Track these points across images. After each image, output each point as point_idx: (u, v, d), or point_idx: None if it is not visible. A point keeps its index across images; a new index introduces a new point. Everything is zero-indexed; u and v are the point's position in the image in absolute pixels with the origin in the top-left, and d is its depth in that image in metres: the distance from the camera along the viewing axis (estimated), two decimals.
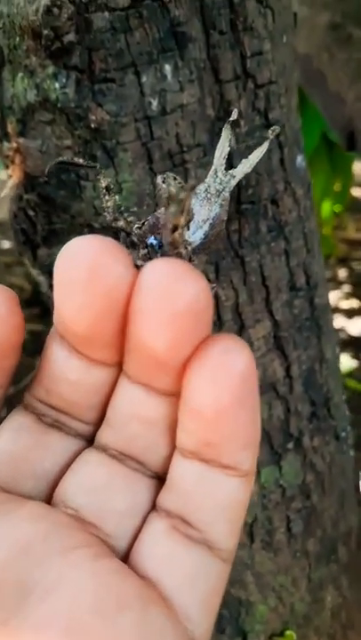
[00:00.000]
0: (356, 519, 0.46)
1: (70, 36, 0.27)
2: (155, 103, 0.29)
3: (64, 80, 0.28)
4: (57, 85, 0.28)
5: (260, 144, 0.30)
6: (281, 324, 0.36)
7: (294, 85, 0.35)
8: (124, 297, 0.15)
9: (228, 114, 0.31)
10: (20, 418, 0.18)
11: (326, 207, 1.22)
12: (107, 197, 0.18)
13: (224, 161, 0.19)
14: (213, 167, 0.18)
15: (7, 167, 0.32)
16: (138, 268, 0.16)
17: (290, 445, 0.39)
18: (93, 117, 0.29)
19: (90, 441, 0.19)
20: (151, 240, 0.17)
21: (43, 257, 0.34)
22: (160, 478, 0.18)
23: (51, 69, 0.28)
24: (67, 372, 0.17)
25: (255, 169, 0.32)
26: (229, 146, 0.19)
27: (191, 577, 0.17)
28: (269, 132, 0.21)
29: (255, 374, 0.16)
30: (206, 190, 0.18)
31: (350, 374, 1.25)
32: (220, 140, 0.19)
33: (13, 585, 0.15)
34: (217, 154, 0.20)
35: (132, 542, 0.18)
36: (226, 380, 0.15)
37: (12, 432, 0.18)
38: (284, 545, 0.41)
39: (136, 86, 0.29)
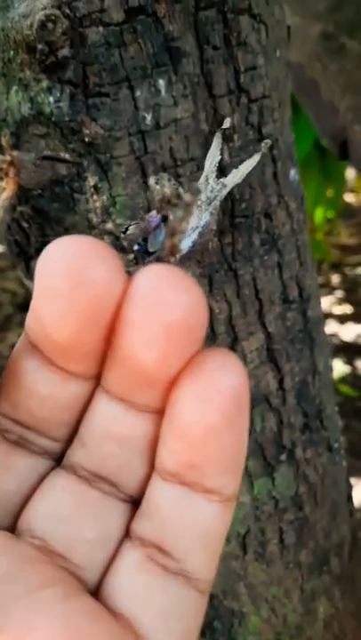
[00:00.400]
0: (348, 530, 0.46)
1: (65, 51, 0.27)
2: (149, 117, 0.29)
3: (58, 94, 0.28)
4: (51, 99, 0.28)
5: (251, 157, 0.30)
6: (274, 337, 0.36)
7: (287, 99, 0.35)
8: (113, 305, 0.14)
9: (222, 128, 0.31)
10: None
11: (319, 213, 1.22)
12: (95, 197, 0.18)
13: (215, 169, 0.19)
14: (204, 175, 0.18)
15: (1, 179, 0.32)
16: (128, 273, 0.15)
17: (283, 457, 0.39)
18: (87, 131, 0.29)
19: (57, 460, 0.17)
20: (141, 244, 0.17)
21: (36, 268, 0.34)
22: (134, 502, 0.17)
23: (45, 83, 0.28)
24: (37, 386, 0.16)
25: (249, 182, 0.32)
26: (220, 154, 0.19)
27: (167, 614, 0.16)
28: (262, 144, 0.21)
29: (247, 393, 0.15)
30: (198, 196, 0.18)
31: (343, 380, 1.26)
32: (211, 148, 0.19)
33: None
34: (208, 162, 0.19)
35: (103, 573, 0.17)
36: (217, 397, 0.14)
37: None
38: (277, 556, 0.42)
39: (130, 101, 0.29)
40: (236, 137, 0.31)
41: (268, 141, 0.19)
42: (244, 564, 0.41)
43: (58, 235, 0.32)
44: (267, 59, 0.32)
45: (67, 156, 0.19)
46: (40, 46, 0.27)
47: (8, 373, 0.16)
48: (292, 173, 0.35)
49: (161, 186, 0.17)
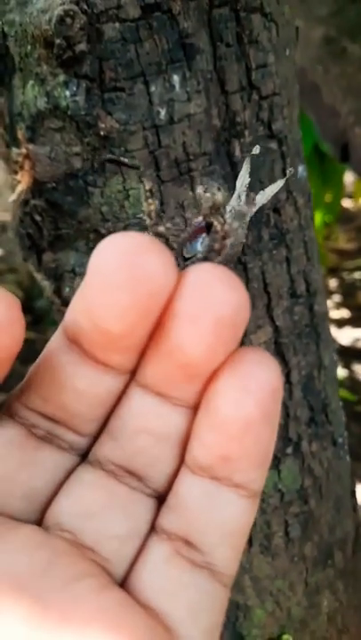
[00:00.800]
0: (351, 525, 0.46)
1: (82, 46, 0.28)
2: (163, 112, 0.30)
3: (74, 88, 0.29)
4: (67, 93, 0.29)
5: (263, 153, 0.30)
6: (281, 331, 0.37)
7: (296, 98, 0.36)
8: (165, 298, 0.14)
9: (234, 124, 0.31)
10: (9, 431, 0.17)
11: (317, 218, 1.23)
12: (149, 201, 0.18)
13: (245, 188, 0.20)
14: (237, 193, 0.19)
15: (16, 173, 0.32)
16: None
17: (289, 450, 0.40)
18: (102, 125, 0.29)
19: (83, 456, 0.18)
20: (196, 246, 0.18)
21: (48, 262, 0.35)
22: (159, 497, 0.18)
23: (61, 78, 0.29)
24: (74, 380, 0.16)
25: (259, 178, 0.33)
26: (247, 174, 0.20)
27: (196, 607, 0.16)
28: (287, 171, 0.21)
29: (282, 389, 0.16)
30: (231, 212, 0.19)
31: (341, 384, 1.26)
32: (242, 171, 0.20)
33: (13, 626, 0.14)
34: (239, 182, 0.20)
35: (130, 567, 0.17)
36: (256, 391, 0.15)
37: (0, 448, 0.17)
38: (282, 549, 0.42)
39: (145, 96, 0.29)
40: (246, 133, 0.32)
41: (292, 169, 0.19)
42: (249, 556, 0.42)
43: (71, 228, 0.33)
44: (277, 57, 0.33)
45: (126, 160, 0.20)
46: (58, 41, 0.28)
47: (40, 367, 0.17)
48: (300, 170, 0.36)
49: (211, 194, 0.17)
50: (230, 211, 0.18)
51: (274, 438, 0.16)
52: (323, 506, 0.43)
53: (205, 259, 0.17)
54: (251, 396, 0.15)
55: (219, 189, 0.17)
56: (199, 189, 0.17)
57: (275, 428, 0.16)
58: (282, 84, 0.33)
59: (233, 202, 0.18)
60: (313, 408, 0.41)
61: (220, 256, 0.17)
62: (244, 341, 0.36)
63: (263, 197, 0.19)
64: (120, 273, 0.14)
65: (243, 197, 0.18)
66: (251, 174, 0.30)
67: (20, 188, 0.31)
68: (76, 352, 0.16)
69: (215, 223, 0.17)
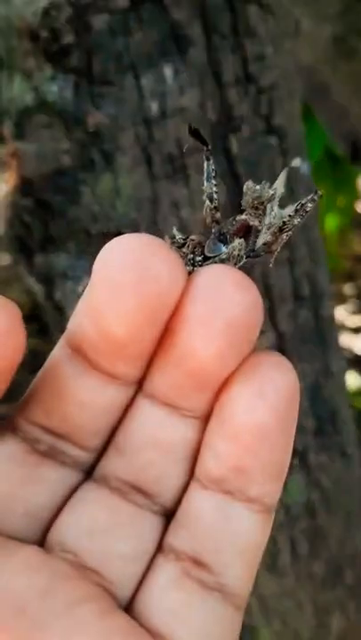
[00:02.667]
0: None
1: (69, 38, 0.26)
2: (155, 106, 0.28)
3: (62, 83, 0.28)
4: (55, 88, 0.28)
5: (263, 149, 0.29)
6: (285, 336, 0.35)
7: (296, 92, 0.35)
8: (174, 302, 0.14)
9: (230, 118, 0.30)
10: (10, 446, 0.16)
11: (330, 222, 1.21)
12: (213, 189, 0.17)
13: (277, 200, 0.19)
14: (270, 204, 0.18)
15: (2, 172, 0.31)
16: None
17: (294, 462, 0.38)
18: (91, 121, 0.28)
19: (87, 472, 0.17)
20: (220, 246, 0.17)
21: (39, 264, 0.34)
22: (167, 515, 0.17)
23: (49, 72, 0.28)
24: (78, 391, 0.16)
25: (258, 175, 0.31)
26: (283, 186, 0.19)
27: (206, 633, 0.15)
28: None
29: (299, 395, 0.15)
30: (273, 211, 0.18)
31: (358, 393, 1.24)
32: (278, 181, 0.19)
33: None
34: (274, 192, 0.19)
35: (136, 589, 0.16)
36: (273, 398, 0.14)
37: (0, 464, 0.16)
38: (289, 567, 0.40)
39: (135, 89, 0.28)
40: (244, 127, 0.31)
41: (319, 193, 0.18)
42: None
43: (61, 229, 0.31)
44: (275, 49, 0.31)
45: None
46: (44, 34, 0.27)
47: (42, 379, 0.16)
48: (303, 166, 0.34)
49: (262, 188, 0.16)
50: (270, 208, 0.17)
51: (290, 448, 0.15)
52: (331, 521, 0.41)
53: (226, 260, 0.16)
54: (267, 402, 0.14)
55: (268, 184, 0.17)
56: (250, 184, 0.17)
57: (292, 436, 0.15)
58: (281, 77, 0.32)
59: (258, 191, 0.17)
60: (320, 417, 0.39)
61: (245, 260, 0.17)
62: None
63: (296, 217, 0.18)
64: (126, 274, 0.13)
65: (275, 209, 0.17)
66: (250, 172, 0.28)
67: (7, 187, 0.30)
68: (79, 362, 0.15)
69: (256, 223, 0.17)
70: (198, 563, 0.16)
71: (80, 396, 0.16)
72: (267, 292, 0.34)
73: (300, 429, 0.38)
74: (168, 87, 0.28)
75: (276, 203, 0.18)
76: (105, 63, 0.27)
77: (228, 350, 0.14)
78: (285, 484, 0.39)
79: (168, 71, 0.28)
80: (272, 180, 0.34)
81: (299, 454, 0.38)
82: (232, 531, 0.15)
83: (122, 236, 0.14)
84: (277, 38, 0.32)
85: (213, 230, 0.17)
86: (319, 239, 0.38)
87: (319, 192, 0.17)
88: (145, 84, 0.28)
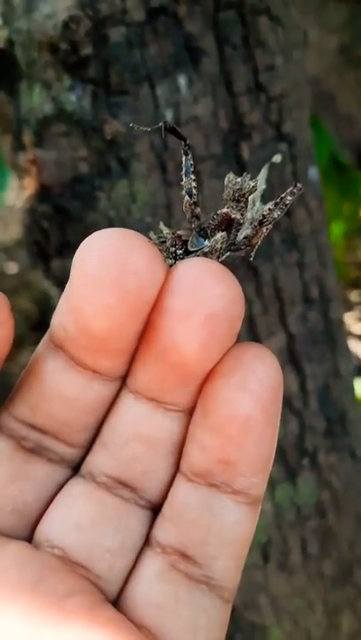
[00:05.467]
0: None
1: (87, 50, 0.28)
2: (169, 115, 0.29)
3: (80, 93, 0.29)
4: (73, 98, 0.29)
5: (273, 156, 0.30)
6: (295, 338, 0.36)
7: (305, 100, 0.35)
8: (153, 296, 0.14)
9: (242, 126, 0.31)
10: None
11: (336, 229, 1.22)
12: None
13: (260, 195, 0.19)
14: (251, 198, 0.18)
15: (22, 178, 0.32)
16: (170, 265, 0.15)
17: (305, 462, 0.38)
18: (108, 129, 0.29)
19: (74, 468, 0.17)
20: (202, 240, 0.17)
21: (56, 268, 0.35)
22: (153, 509, 0.17)
23: (67, 82, 0.29)
24: (62, 388, 0.15)
25: (269, 180, 0.32)
26: (265, 183, 0.19)
27: (194, 625, 0.15)
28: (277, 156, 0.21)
29: (282, 385, 0.15)
30: (253, 204, 0.18)
31: None
32: (259, 175, 0.19)
33: None
34: (255, 183, 0.20)
35: (123, 583, 0.16)
36: (256, 389, 0.14)
37: None
38: (300, 566, 0.40)
39: (151, 99, 0.29)
40: (255, 135, 0.32)
41: (300, 186, 0.18)
42: (265, 574, 0.40)
43: (78, 234, 0.32)
44: (285, 59, 0.32)
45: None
46: (63, 46, 0.28)
47: (27, 376, 0.16)
48: (312, 173, 0.35)
49: (242, 179, 0.17)
50: (252, 202, 0.17)
51: (275, 439, 0.15)
52: (341, 521, 0.41)
53: (208, 254, 0.16)
54: (250, 394, 0.14)
55: (249, 176, 0.17)
56: (228, 175, 0.17)
57: (276, 427, 0.15)
58: (290, 86, 0.33)
59: (238, 184, 0.17)
60: (330, 418, 0.39)
61: (227, 253, 0.17)
62: None
63: (276, 209, 0.18)
64: (104, 269, 0.13)
65: (257, 204, 0.17)
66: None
67: (26, 193, 0.31)
68: (62, 358, 0.15)
69: (238, 216, 0.17)
70: (185, 556, 0.16)
71: (64, 392, 0.15)
72: (277, 294, 0.35)
73: (311, 430, 0.38)
74: (182, 97, 0.29)
75: (258, 197, 0.18)
76: (122, 74, 0.29)
77: (209, 344, 0.14)
78: (296, 484, 0.40)
79: (182, 81, 0.29)
80: (282, 185, 0.35)
81: (309, 455, 0.38)
82: (218, 523, 0.15)
83: (100, 231, 0.14)
84: (287, 49, 0.33)
85: (193, 225, 0.17)
86: (328, 244, 0.38)
87: (299, 185, 0.16)
88: (160, 93, 0.29)
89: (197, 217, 0.17)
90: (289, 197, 0.16)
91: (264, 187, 0.19)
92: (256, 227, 0.16)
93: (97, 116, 0.29)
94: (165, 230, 0.18)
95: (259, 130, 0.32)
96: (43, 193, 0.31)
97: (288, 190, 0.16)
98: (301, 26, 0.34)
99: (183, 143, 0.17)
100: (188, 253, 0.17)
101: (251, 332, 0.34)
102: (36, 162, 0.30)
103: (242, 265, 0.33)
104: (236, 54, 0.30)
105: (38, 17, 0.28)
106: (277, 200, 0.16)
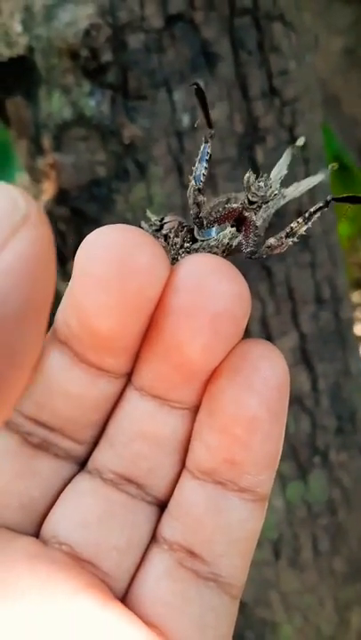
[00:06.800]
0: None
1: (107, 56, 0.28)
2: (186, 119, 0.30)
3: (99, 98, 0.29)
4: (92, 103, 0.29)
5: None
6: (307, 337, 0.36)
7: (317, 104, 0.36)
8: (157, 294, 0.13)
9: (256, 129, 0.32)
10: (3, 439, 0.16)
11: (340, 231, 1.22)
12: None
13: (279, 180, 0.19)
14: (271, 182, 0.18)
15: (38, 182, 0.33)
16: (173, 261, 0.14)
17: (316, 460, 0.39)
18: (126, 133, 0.30)
19: (81, 464, 0.17)
20: (211, 232, 0.17)
21: (72, 271, 0.35)
22: (160, 505, 0.17)
23: (87, 88, 0.29)
24: (67, 384, 0.15)
25: (283, 184, 0.33)
26: (287, 169, 0.19)
27: (202, 622, 0.15)
28: (329, 167, 0.20)
29: (288, 383, 0.15)
30: (260, 200, 0.18)
31: None
32: (281, 160, 0.19)
33: (12, 636, 0.13)
34: (274, 171, 0.19)
35: (131, 580, 0.16)
36: (262, 388, 0.14)
37: None
38: (311, 563, 0.41)
39: (168, 103, 0.30)
40: (269, 138, 0.32)
41: (335, 164, 0.18)
42: (276, 570, 0.41)
43: None
44: (298, 63, 0.33)
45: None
46: (84, 53, 0.28)
47: (33, 373, 0.16)
48: (323, 175, 0.36)
49: (265, 184, 0.16)
50: (262, 197, 0.16)
51: (282, 437, 0.15)
52: (352, 518, 0.42)
53: (214, 247, 0.16)
54: (255, 393, 0.14)
55: (271, 180, 0.17)
56: (249, 175, 0.16)
57: (282, 426, 0.15)
58: (303, 90, 0.34)
59: (263, 190, 0.16)
60: (341, 416, 0.40)
61: (232, 251, 0.17)
62: None
63: (295, 191, 0.18)
64: (107, 267, 0.13)
65: (275, 187, 0.17)
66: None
67: (45, 196, 0.32)
68: (68, 355, 0.15)
69: (253, 218, 0.16)
70: (192, 553, 0.15)
71: (70, 389, 0.15)
72: (290, 294, 0.35)
73: (322, 428, 0.39)
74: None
75: (278, 182, 0.18)
76: (140, 79, 0.29)
77: (214, 342, 0.13)
78: (307, 481, 0.40)
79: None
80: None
81: (320, 453, 0.39)
82: (224, 521, 0.15)
83: (102, 228, 0.13)
84: (299, 53, 0.33)
85: (192, 212, 0.17)
86: (337, 244, 0.39)
87: (328, 198, 0.16)
88: (177, 98, 0.30)
89: (198, 205, 0.17)
90: (318, 214, 0.16)
91: (285, 172, 0.19)
92: (281, 238, 0.16)
93: (115, 120, 0.30)
94: (154, 217, 0.18)
95: (273, 133, 0.32)
96: (61, 196, 0.32)
97: (317, 206, 0.16)
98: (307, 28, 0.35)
99: (208, 130, 0.17)
100: (193, 242, 0.17)
101: (264, 331, 0.35)
102: (55, 165, 0.31)
103: (256, 265, 0.33)
104: (251, 59, 0.31)
105: (59, 25, 0.29)
106: (306, 215, 0.16)
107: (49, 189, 0.32)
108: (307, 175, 0.34)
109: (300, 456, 0.38)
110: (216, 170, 0.31)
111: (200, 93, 0.16)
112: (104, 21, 0.27)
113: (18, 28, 0.30)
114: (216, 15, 0.30)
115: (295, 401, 0.37)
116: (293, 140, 0.33)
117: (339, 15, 0.64)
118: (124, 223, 0.34)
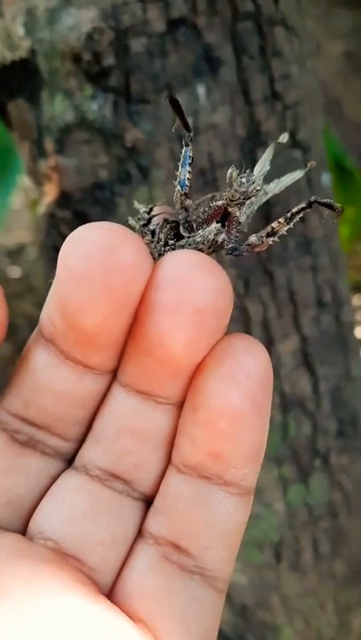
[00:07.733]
0: None
1: (109, 60, 0.28)
2: (188, 123, 0.30)
3: (102, 101, 0.29)
4: (95, 106, 0.29)
5: (288, 162, 0.30)
6: (309, 340, 0.36)
7: (319, 108, 0.36)
8: (140, 290, 0.13)
9: (258, 133, 0.32)
10: None
11: (340, 233, 1.22)
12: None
13: (262, 177, 0.19)
14: (253, 177, 0.18)
15: (40, 185, 0.33)
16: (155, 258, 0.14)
17: (317, 463, 0.39)
18: (129, 137, 0.30)
19: (68, 461, 0.17)
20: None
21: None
22: (146, 500, 0.17)
23: (89, 91, 0.29)
24: (53, 382, 0.15)
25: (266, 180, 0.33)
26: (269, 165, 0.19)
27: (187, 616, 0.15)
28: (308, 165, 0.21)
29: (272, 376, 0.15)
30: (244, 195, 0.18)
31: None
32: (263, 156, 0.19)
33: None
34: (257, 168, 0.20)
35: (116, 575, 0.16)
36: (245, 381, 0.14)
37: None
38: (311, 566, 0.41)
39: (170, 107, 0.30)
40: (271, 142, 0.32)
41: (314, 163, 0.18)
42: (277, 573, 0.41)
43: None
44: (299, 68, 0.33)
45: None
46: (86, 57, 0.28)
47: (20, 370, 0.16)
48: (324, 178, 0.36)
49: (247, 181, 0.16)
50: (243, 193, 0.16)
51: (266, 430, 0.15)
52: (353, 521, 0.42)
53: (199, 244, 0.16)
54: (239, 386, 0.14)
55: (253, 175, 0.17)
56: (232, 171, 0.16)
57: (266, 418, 0.15)
58: (305, 95, 0.34)
59: (245, 186, 0.17)
60: (342, 420, 0.40)
61: (217, 247, 0.17)
62: (271, 351, 0.35)
63: (276, 187, 0.18)
64: (89, 265, 0.13)
65: (257, 183, 0.17)
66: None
67: (47, 199, 0.32)
68: (53, 353, 0.15)
69: (236, 214, 0.17)
70: (178, 547, 0.16)
71: (56, 387, 0.15)
72: (291, 298, 0.35)
73: (323, 431, 0.39)
74: (201, 105, 0.30)
75: (261, 179, 0.18)
76: (142, 83, 0.29)
77: (197, 337, 0.14)
78: (308, 484, 0.40)
79: (201, 90, 0.30)
80: (296, 191, 0.36)
81: (321, 456, 0.39)
82: (210, 514, 0.15)
83: (84, 226, 0.13)
84: (301, 58, 0.33)
85: (180, 217, 0.17)
86: (339, 248, 0.39)
87: (311, 199, 0.16)
88: (179, 102, 0.30)
89: (186, 209, 0.17)
90: (300, 214, 0.16)
91: (268, 168, 0.19)
92: (263, 237, 0.16)
93: (118, 123, 0.30)
94: (143, 209, 0.18)
95: (275, 137, 0.32)
96: (63, 199, 0.32)
97: (300, 207, 0.16)
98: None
99: (187, 134, 0.17)
100: (179, 238, 0.17)
101: (265, 334, 0.35)
102: (58, 168, 0.31)
103: (257, 269, 0.34)
104: (254, 64, 0.31)
105: (62, 28, 0.29)
106: (288, 215, 0.16)
107: (51, 192, 0.32)
108: (308, 178, 0.35)
109: (301, 459, 0.39)
110: (218, 173, 0.31)
111: (175, 103, 0.17)
112: (107, 25, 0.28)
113: (20, 31, 0.30)
114: (218, 20, 0.30)
115: (296, 404, 0.37)
116: (295, 143, 0.33)
117: (340, 20, 0.65)
118: (126, 226, 0.34)
